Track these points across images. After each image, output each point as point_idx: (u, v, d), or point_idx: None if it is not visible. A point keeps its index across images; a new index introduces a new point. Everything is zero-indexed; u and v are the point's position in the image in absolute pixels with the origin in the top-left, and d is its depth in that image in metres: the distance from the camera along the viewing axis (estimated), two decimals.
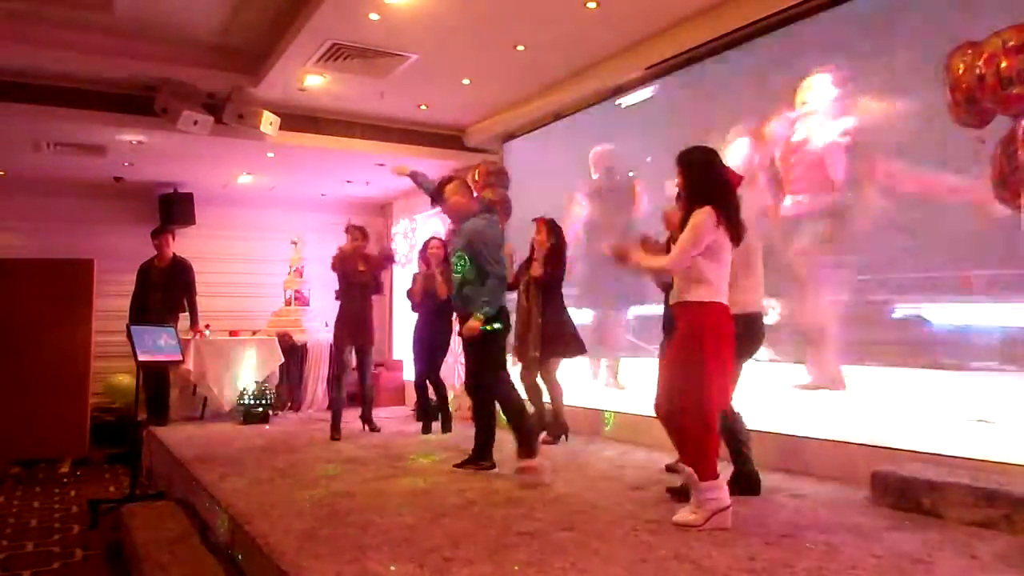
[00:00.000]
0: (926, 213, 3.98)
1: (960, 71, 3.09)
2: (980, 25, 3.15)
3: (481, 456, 4.47)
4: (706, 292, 3.17)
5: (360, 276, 6.09)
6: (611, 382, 6.31)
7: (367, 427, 6.21)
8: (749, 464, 3.77)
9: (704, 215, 3.15)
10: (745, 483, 3.72)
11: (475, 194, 5.02)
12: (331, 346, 7.51)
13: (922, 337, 4.06)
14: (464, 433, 6.09)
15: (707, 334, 3.14)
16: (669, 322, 4.33)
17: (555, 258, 5.32)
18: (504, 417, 4.41)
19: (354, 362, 6.10)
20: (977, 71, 2.93)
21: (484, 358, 4.40)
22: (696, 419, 3.14)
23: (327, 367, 7.99)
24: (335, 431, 5.85)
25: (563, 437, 5.47)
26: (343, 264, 6.09)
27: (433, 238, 6.49)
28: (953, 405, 3.81)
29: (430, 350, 6.19)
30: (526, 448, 4.22)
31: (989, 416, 3.65)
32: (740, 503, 3.54)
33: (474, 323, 4.27)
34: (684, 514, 3.16)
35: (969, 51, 3.11)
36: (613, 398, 6.02)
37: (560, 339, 5.29)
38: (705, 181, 3.25)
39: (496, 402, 4.45)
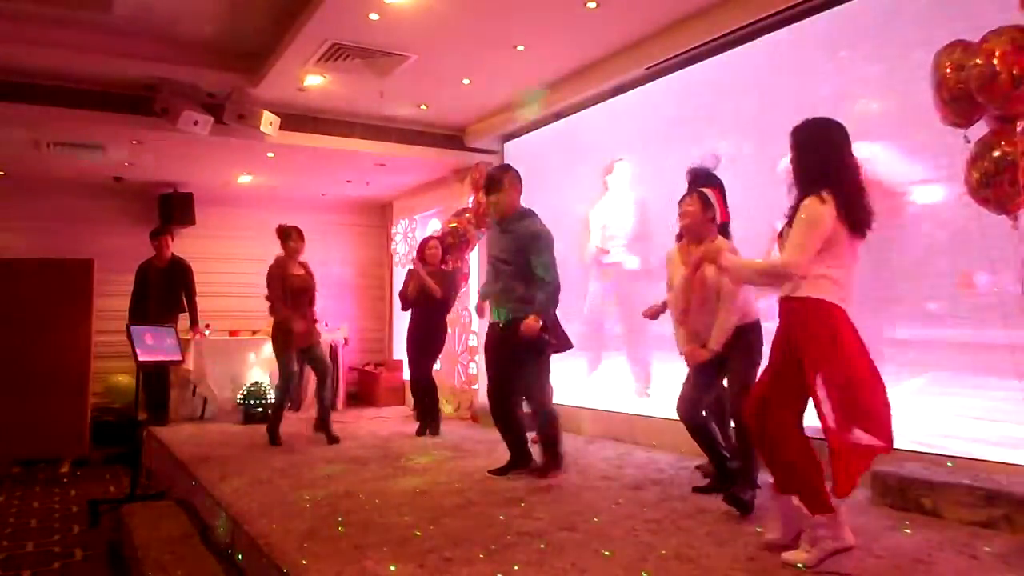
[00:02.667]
0: (923, 213, 3.99)
1: (948, 71, 3.08)
2: (980, 24, 3.14)
3: (553, 461, 4.29)
4: (817, 288, 2.67)
5: (303, 280, 5.76)
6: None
7: (327, 439, 5.64)
8: (726, 462, 3.77)
9: (817, 204, 2.66)
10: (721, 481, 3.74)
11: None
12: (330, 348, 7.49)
13: (919, 337, 4.06)
14: (460, 433, 6.11)
15: (810, 340, 2.65)
16: None
17: None
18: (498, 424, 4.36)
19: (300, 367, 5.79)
20: (987, 68, 2.90)
21: (539, 370, 4.24)
22: (792, 440, 2.68)
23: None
24: (274, 436, 5.61)
25: None
26: (282, 270, 5.69)
27: (431, 238, 6.46)
28: (951, 405, 3.81)
29: (420, 348, 6.12)
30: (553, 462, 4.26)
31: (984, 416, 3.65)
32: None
33: (533, 321, 4.04)
34: (795, 552, 2.68)
35: (959, 50, 3.10)
36: (608, 399, 6.02)
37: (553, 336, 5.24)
38: (821, 162, 2.74)
39: (538, 415, 4.29)
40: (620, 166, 6.13)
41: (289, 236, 5.77)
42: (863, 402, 2.65)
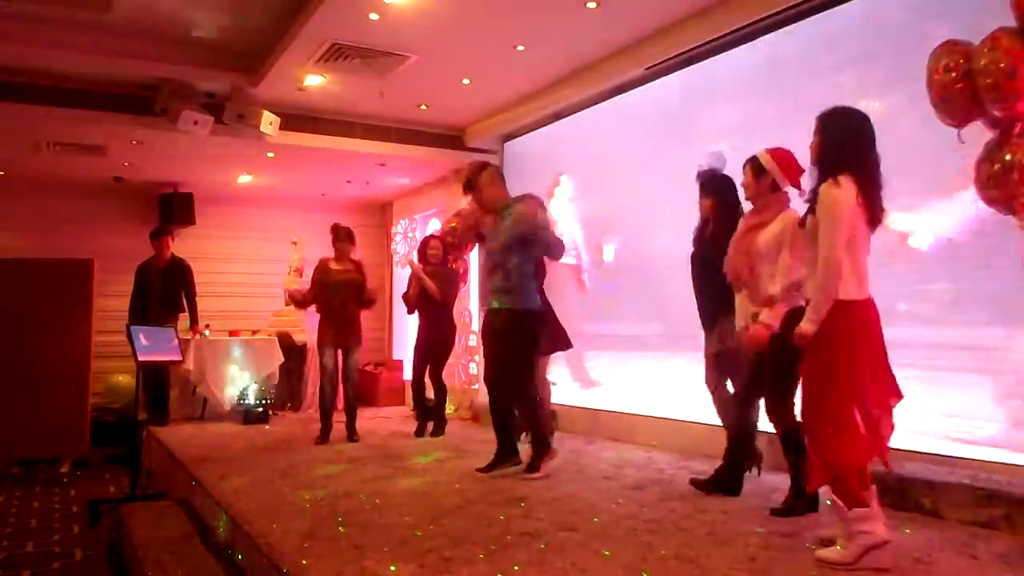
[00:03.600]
0: (923, 213, 3.98)
1: (940, 72, 3.07)
2: (981, 24, 3.14)
3: (541, 450, 4.29)
4: (840, 289, 2.63)
5: (346, 275, 5.80)
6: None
7: (348, 438, 5.77)
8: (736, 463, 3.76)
9: (831, 190, 2.63)
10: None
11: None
12: None
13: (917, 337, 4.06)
14: (461, 433, 6.10)
15: (840, 341, 2.61)
16: (709, 315, 4.03)
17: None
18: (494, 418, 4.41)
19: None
20: (1002, 66, 2.87)
21: (529, 359, 4.26)
22: (830, 439, 2.63)
23: None
24: (323, 433, 5.71)
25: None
26: (323, 268, 5.85)
27: (432, 238, 6.43)
28: (949, 405, 3.81)
29: (430, 350, 6.07)
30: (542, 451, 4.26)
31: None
32: (739, 503, 3.56)
33: (533, 213, 4.21)
34: (830, 550, 2.65)
35: (952, 51, 3.08)
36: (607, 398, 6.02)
37: (551, 333, 5.10)
38: (841, 147, 2.70)
39: (521, 405, 4.34)
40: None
41: (336, 236, 5.91)
42: (872, 400, 2.65)
